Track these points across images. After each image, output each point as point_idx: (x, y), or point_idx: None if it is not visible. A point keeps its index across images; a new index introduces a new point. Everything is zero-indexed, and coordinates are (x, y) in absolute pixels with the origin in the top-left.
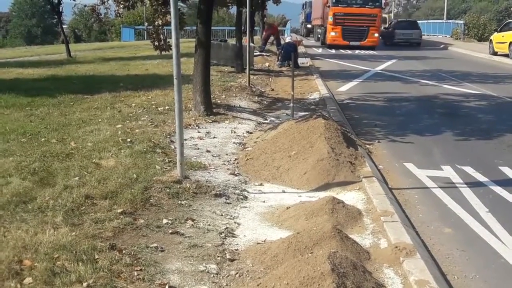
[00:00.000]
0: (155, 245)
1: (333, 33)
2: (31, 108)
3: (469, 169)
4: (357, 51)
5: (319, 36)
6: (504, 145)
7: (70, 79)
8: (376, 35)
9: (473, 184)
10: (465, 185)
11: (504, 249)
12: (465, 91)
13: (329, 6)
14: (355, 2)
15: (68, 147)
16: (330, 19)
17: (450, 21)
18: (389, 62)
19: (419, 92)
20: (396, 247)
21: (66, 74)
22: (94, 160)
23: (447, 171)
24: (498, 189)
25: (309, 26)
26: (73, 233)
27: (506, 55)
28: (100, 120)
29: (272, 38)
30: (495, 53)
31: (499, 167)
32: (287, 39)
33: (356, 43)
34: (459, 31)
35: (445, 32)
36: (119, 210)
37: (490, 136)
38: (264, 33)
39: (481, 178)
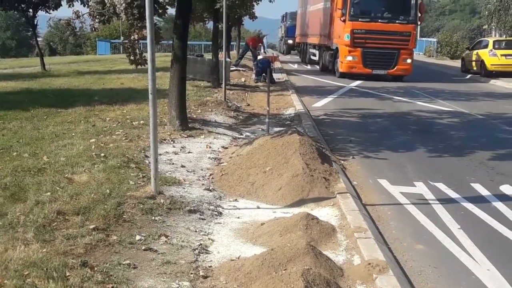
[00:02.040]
0: (127, 262)
1: (350, 58)
2: (4, 122)
3: (441, 186)
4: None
5: (317, 59)
6: (476, 162)
7: (44, 93)
8: (409, 61)
9: (445, 201)
10: (438, 202)
11: (475, 265)
12: (438, 108)
13: (344, 20)
14: (382, 16)
15: (40, 162)
16: (346, 37)
17: (423, 38)
18: (364, 78)
19: (392, 108)
20: (369, 263)
21: (40, 87)
22: (66, 175)
23: (420, 188)
24: (469, 206)
25: (290, 42)
26: (44, 250)
27: (478, 73)
28: (73, 134)
29: (260, 48)
30: (467, 71)
31: (471, 184)
32: (260, 56)
33: (382, 72)
34: (432, 49)
35: (418, 49)
36: (92, 226)
37: (462, 153)
38: (250, 43)
39: (453, 194)
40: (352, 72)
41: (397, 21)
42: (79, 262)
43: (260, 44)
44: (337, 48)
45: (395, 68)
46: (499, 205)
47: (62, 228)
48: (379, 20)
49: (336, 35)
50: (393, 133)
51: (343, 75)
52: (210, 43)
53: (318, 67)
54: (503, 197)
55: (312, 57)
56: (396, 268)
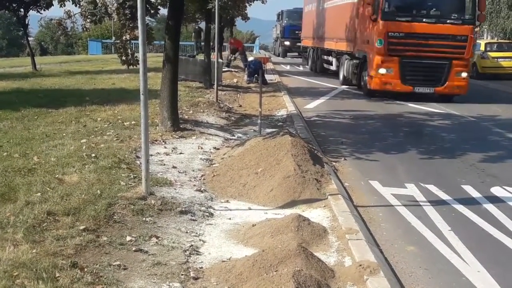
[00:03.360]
0: (117, 263)
1: (383, 71)
2: None
3: (432, 188)
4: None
5: (333, 69)
6: (466, 164)
7: (35, 93)
8: (465, 75)
9: (436, 202)
10: (429, 203)
11: (465, 267)
12: (429, 110)
13: (375, 20)
14: (428, 13)
15: (30, 162)
16: (378, 43)
17: None
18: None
19: (384, 110)
20: (360, 265)
21: (31, 87)
22: (57, 176)
23: (411, 189)
24: (460, 208)
25: (287, 43)
26: (34, 250)
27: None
28: (64, 134)
29: (236, 53)
30: None
31: (462, 186)
32: (250, 58)
33: (428, 90)
34: None
35: None
36: (82, 227)
37: (453, 155)
38: (230, 44)
39: (444, 196)
40: (387, 89)
41: (448, 21)
42: (69, 263)
43: (239, 48)
44: (364, 57)
45: (446, 85)
46: (490, 207)
47: (52, 228)
48: (424, 20)
49: (363, 40)
50: (384, 135)
51: (373, 93)
52: (202, 44)
53: (334, 78)
54: (493, 199)
55: (326, 66)
56: (387, 269)
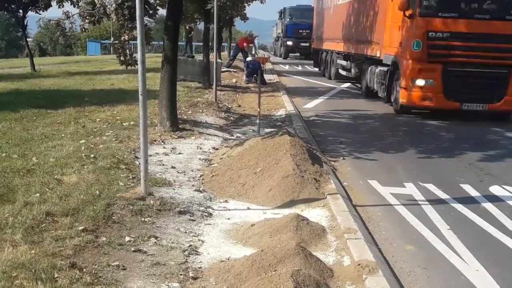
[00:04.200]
0: (116, 263)
1: (421, 82)
2: None
3: (431, 187)
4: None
5: (350, 75)
6: (465, 163)
7: (34, 94)
8: None
9: (435, 202)
10: (427, 203)
11: (464, 266)
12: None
13: (411, 16)
14: (479, 8)
15: (29, 163)
16: (415, 46)
17: None
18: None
19: (383, 109)
20: (359, 264)
21: (30, 88)
22: (56, 176)
23: (410, 189)
24: (459, 207)
25: (290, 43)
26: (33, 251)
27: None
28: (63, 135)
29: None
30: None
31: (460, 185)
32: (249, 58)
33: (479, 108)
34: None
35: None
36: (81, 228)
37: (452, 154)
38: (245, 44)
39: (443, 195)
40: (425, 106)
41: (507, 17)
42: (68, 263)
43: (251, 45)
44: (395, 63)
45: (504, 100)
46: (489, 206)
47: (51, 229)
48: (476, 16)
49: (393, 42)
50: (383, 134)
51: (407, 110)
52: (201, 44)
53: (352, 85)
54: (492, 198)
55: (342, 72)
56: (385, 268)
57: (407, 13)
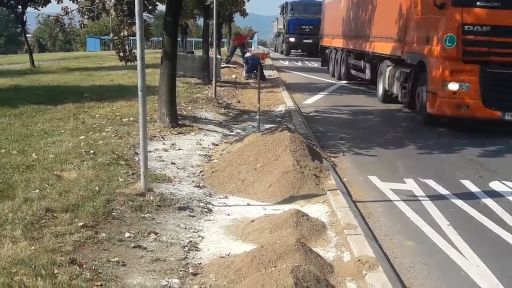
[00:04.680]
0: (116, 259)
1: (454, 86)
2: None
3: (431, 182)
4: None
5: (366, 77)
6: (465, 159)
7: (33, 90)
8: None
9: (435, 197)
10: (427, 198)
11: (464, 262)
12: None
13: (442, 5)
14: None
15: (29, 159)
16: (447, 42)
17: None
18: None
19: (383, 105)
20: (359, 260)
21: (29, 84)
22: (55, 172)
23: (410, 184)
24: (459, 202)
25: (292, 40)
26: (32, 247)
27: None
28: (63, 131)
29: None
30: None
31: (460, 181)
32: (247, 54)
33: None
34: None
35: None
36: (80, 224)
37: (452, 149)
38: (233, 42)
39: (443, 191)
40: (460, 115)
41: None
42: (68, 259)
43: (248, 40)
44: (422, 63)
45: None
46: (489, 202)
47: (51, 225)
48: None
49: (419, 37)
50: (383, 130)
51: (433, 119)
52: (201, 39)
53: (370, 90)
54: (492, 194)
55: (355, 73)
56: (385, 264)
57: (438, 1)
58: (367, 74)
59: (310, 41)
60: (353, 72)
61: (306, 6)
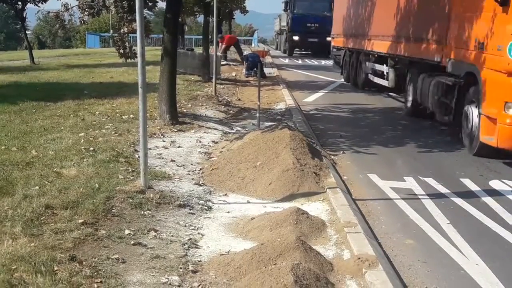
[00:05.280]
0: (116, 256)
1: None
2: None
3: (431, 181)
4: (323, 62)
5: (389, 85)
6: (465, 157)
7: (33, 86)
8: None
9: (435, 196)
10: (427, 197)
11: (464, 260)
12: None
13: (504, 2)
14: None
15: (28, 156)
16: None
17: None
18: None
19: (383, 104)
20: (359, 258)
21: (29, 81)
22: (55, 169)
23: (410, 183)
24: (459, 201)
25: (296, 38)
26: (32, 244)
27: None
28: (62, 128)
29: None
30: None
31: (461, 179)
32: (245, 52)
33: None
34: None
35: None
36: (80, 221)
37: (452, 148)
38: (221, 44)
39: (443, 189)
40: None
41: None
42: (68, 256)
43: (233, 43)
44: (471, 75)
45: None
46: (489, 200)
47: (51, 222)
48: None
49: (466, 41)
50: (383, 129)
51: (488, 151)
52: (201, 37)
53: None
54: (492, 192)
55: (374, 79)
56: (385, 262)
57: None
58: (390, 81)
59: (316, 40)
60: (372, 78)
61: (312, 2)
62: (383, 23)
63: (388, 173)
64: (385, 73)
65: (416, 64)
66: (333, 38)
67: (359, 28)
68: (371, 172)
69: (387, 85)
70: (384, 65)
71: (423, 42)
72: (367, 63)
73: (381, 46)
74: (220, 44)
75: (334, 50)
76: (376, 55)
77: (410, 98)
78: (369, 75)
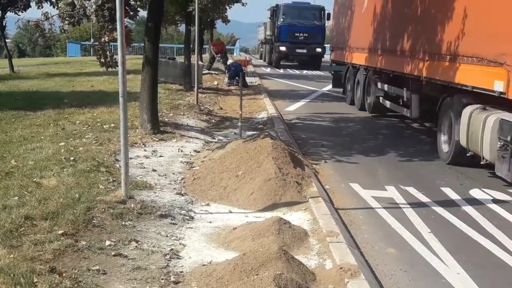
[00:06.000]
0: (97, 267)
1: None
2: None
3: (412, 190)
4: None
5: (407, 113)
6: (445, 167)
7: (13, 95)
8: None
9: (416, 205)
10: (408, 206)
11: (445, 269)
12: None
13: None
14: None
15: (8, 166)
16: None
17: None
18: None
19: (365, 113)
20: (341, 268)
21: (9, 90)
22: (35, 179)
23: (391, 192)
24: (440, 210)
25: (283, 49)
26: (11, 255)
27: None
28: (42, 137)
29: (219, 55)
30: None
31: (441, 188)
32: (230, 61)
33: None
34: None
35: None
36: (60, 232)
37: (432, 157)
38: (212, 47)
39: (423, 198)
40: None
41: None
42: (47, 268)
43: (222, 50)
44: None
45: None
46: (469, 209)
47: (30, 233)
48: None
49: None
50: (364, 137)
51: None
52: (183, 46)
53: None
54: (472, 201)
55: (391, 105)
56: (367, 272)
57: None
58: (413, 111)
59: (304, 51)
60: (384, 102)
61: (301, 11)
62: (404, 34)
63: (370, 182)
64: (404, 99)
65: (460, 92)
66: (332, 50)
67: (369, 40)
68: (352, 181)
69: (408, 114)
70: (404, 88)
71: (474, 63)
72: (378, 83)
73: (399, 64)
74: (212, 47)
75: (334, 65)
76: (391, 75)
77: (450, 139)
78: (381, 98)
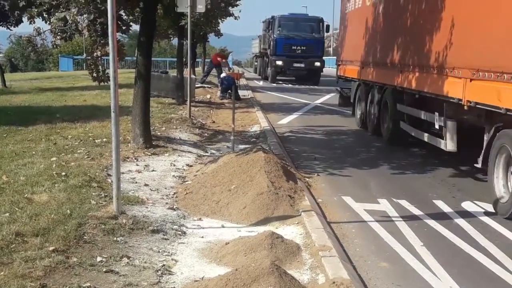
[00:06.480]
0: (88, 284)
1: None
2: None
3: (404, 203)
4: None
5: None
6: (438, 179)
7: (4, 110)
8: None
9: (409, 218)
10: (401, 219)
11: (437, 282)
12: None
13: None
14: None
15: None
16: None
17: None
18: (328, 96)
19: (357, 125)
20: (334, 282)
21: (0, 104)
22: (26, 195)
23: (384, 205)
24: (432, 223)
25: (279, 63)
26: (2, 273)
27: None
28: (34, 153)
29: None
30: None
31: (433, 201)
32: (223, 74)
33: None
34: None
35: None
36: (51, 248)
37: (424, 170)
38: (220, 59)
39: (416, 211)
40: None
41: None
42: (38, 285)
43: (224, 60)
44: None
45: None
46: (461, 222)
47: (21, 250)
48: None
49: None
50: (357, 150)
51: None
52: (175, 59)
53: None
54: (464, 214)
55: (417, 133)
56: (360, 286)
57: None
58: (449, 142)
59: (302, 65)
60: (407, 128)
61: (298, 22)
62: (443, 47)
63: (362, 195)
64: (436, 126)
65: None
66: (339, 65)
67: (387, 53)
68: (345, 194)
69: (441, 146)
70: (436, 113)
71: None
72: (398, 105)
73: (428, 82)
74: (220, 59)
75: (341, 80)
76: (417, 96)
77: (501, 185)
78: (402, 123)
